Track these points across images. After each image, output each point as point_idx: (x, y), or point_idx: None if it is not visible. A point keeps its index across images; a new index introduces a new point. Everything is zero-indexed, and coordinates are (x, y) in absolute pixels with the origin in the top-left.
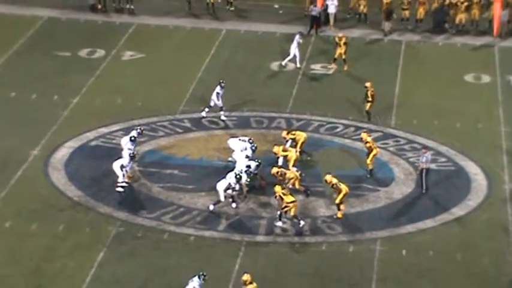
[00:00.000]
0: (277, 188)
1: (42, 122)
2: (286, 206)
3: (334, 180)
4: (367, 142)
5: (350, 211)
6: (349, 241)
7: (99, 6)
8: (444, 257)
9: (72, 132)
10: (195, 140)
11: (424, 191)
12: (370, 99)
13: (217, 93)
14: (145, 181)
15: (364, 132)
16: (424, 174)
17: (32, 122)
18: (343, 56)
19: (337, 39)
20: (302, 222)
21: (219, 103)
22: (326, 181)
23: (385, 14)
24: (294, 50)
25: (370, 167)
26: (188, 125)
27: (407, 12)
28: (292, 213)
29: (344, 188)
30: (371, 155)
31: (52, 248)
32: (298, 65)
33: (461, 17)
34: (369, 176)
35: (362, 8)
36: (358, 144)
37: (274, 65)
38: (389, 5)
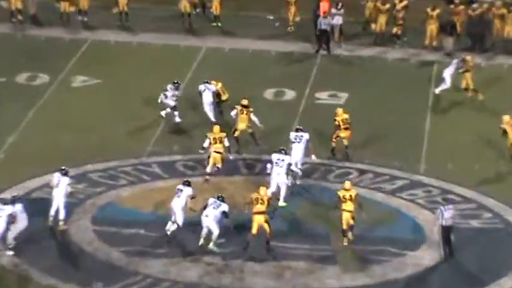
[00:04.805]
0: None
1: None
2: None
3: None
4: (335, 119)
5: (368, 282)
6: None
7: (14, 20)
8: None
9: (8, 181)
10: (166, 190)
11: (447, 256)
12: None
13: (166, 90)
14: (102, 244)
15: (341, 109)
16: (448, 234)
17: None
18: (470, 85)
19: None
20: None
21: (168, 103)
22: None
23: (445, 27)
24: (449, 77)
25: (333, 145)
26: (157, 170)
27: None
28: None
29: None
30: (336, 133)
31: None
32: (438, 90)
33: (509, 29)
34: (332, 155)
35: None
36: (377, 195)
37: (269, 93)
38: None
